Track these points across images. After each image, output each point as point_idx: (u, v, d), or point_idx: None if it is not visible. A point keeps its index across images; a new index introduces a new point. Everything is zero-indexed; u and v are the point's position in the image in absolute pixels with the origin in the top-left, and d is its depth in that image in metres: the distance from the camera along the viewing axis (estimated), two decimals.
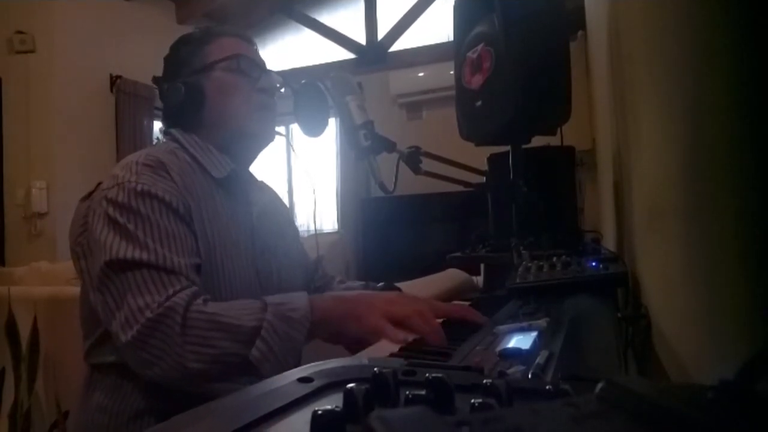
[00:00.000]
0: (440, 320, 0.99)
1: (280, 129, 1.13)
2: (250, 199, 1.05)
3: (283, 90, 1.13)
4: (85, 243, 0.92)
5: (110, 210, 0.87)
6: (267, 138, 1.09)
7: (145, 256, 0.82)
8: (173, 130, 1.04)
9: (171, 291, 0.80)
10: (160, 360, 0.77)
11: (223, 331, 0.78)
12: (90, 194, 0.96)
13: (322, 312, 0.83)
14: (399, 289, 1.19)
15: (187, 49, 1.07)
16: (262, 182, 1.16)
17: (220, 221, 0.95)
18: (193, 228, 0.90)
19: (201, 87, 1.02)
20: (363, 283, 1.22)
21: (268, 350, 0.77)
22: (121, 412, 0.88)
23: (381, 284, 1.19)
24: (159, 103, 1.09)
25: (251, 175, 1.13)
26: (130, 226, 0.85)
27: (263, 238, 1.03)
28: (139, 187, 0.87)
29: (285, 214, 1.20)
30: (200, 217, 0.92)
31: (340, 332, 0.85)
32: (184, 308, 0.78)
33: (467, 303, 1.17)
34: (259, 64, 1.09)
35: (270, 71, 1.10)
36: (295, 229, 1.24)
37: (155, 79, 1.09)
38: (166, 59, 1.09)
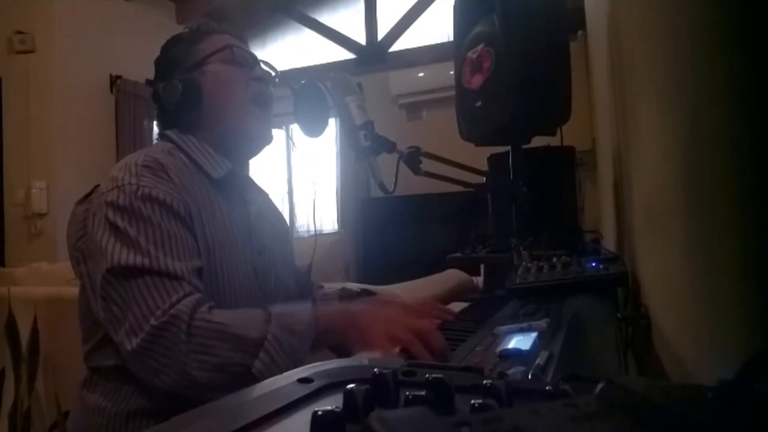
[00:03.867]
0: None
1: (280, 129, 1.13)
2: (247, 198, 1.05)
3: (277, 80, 1.13)
4: (84, 247, 0.91)
5: (110, 214, 0.86)
6: (264, 139, 1.09)
7: (147, 262, 0.82)
8: (169, 132, 1.03)
9: (175, 298, 0.80)
10: (165, 368, 0.77)
11: (228, 340, 0.78)
12: (87, 197, 0.96)
13: (327, 322, 0.83)
14: (374, 294, 1.18)
15: (178, 49, 1.06)
16: (257, 185, 1.16)
17: (218, 222, 0.95)
18: (193, 230, 0.90)
19: (197, 82, 1.02)
20: (339, 289, 1.21)
21: (271, 362, 0.77)
22: (120, 413, 0.88)
23: (357, 290, 1.18)
24: None
25: (248, 176, 1.13)
26: (131, 231, 0.84)
27: (260, 237, 1.03)
28: (140, 191, 0.87)
29: (278, 217, 1.20)
30: (199, 218, 0.92)
31: (342, 343, 0.85)
32: (189, 315, 0.78)
33: (467, 303, 1.17)
34: (252, 55, 1.09)
35: (263, 61, 1.10)
36: (287, 231, 1.24)
37: (149, 83, 1.09)
38: (158, 61, 1.08)
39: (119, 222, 0.85)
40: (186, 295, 0.81)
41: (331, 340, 0.85)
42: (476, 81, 1.48)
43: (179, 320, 0.77)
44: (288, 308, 0.84)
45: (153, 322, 0.78)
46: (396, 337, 0.77)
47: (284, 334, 0.79)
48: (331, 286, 1.25)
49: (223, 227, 0.96)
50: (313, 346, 0.82)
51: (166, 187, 0.89)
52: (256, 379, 0.76)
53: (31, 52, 3.91)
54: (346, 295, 1.18)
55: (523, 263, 1.13)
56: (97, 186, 0.94)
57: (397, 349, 0.76)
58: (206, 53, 1.04)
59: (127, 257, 0.82)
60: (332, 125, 4.72)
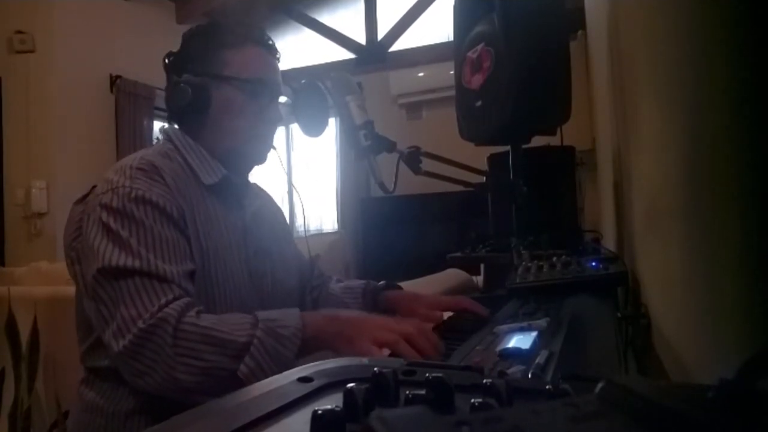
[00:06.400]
0: (448, 314, 0.99)
1: (280, 128, 1.13)
2: (242, 202, 1.05)
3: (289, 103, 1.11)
4: (79, 248, 0.91)
5: (104, 216, 0.86)
6: (259, 160, 1.08)
7: (137, 264, 0.82)
8: (172, 131, 1.03)
9: (163, 300, 0.80)
10: (151, 370, 0.77)
11: (213, 344, 0.78)
12: (84, 197, 0.96)
13: (314, 330, 0.83)
14: (400, 288, 1.19)
15: (203, 45, 1.02)
16: (255, 185, 1.15)
17: (212, 225, 0.95)
18: (186, 233, 0.90)
19: (209, 94, 0.99)
20: (364, 282, 1.21)
21: (256, 366, 0.77)
22: (118, 413, 0.88)
23: (382, 283, 1.19)
24: (159, 103, 1.07)
25: (245, 180, 1.12)
26: (124, 233, 0.84)
27: (256, 239, 1.03)
28: (133, 193, 0.87)
29: (279, 217, 1.19)
30: (193, 221, 0.92)
31: (329, 350, 0.85)
32: (176, 319, 0.78)
33: None
34: (273, 90, 1.05)
35: (280, 102, 1.07)
36: (289, 231, 1.24)
37: (166, 66, 1.05)
38: (181, 48, 1.04)
39: (112, 224, 0.85)
40: (175, 299, 0.81)
41: (318, 348, 0.85)
42: (476, 81, 1.48)
43: (166, 323, 0.77)
44: (276, 314, 0.84)
45: (140, 324, 0.78)
46: (382, 341, 0.77)
47: (270, 339, 0.79)
48: (351, 282, 1.24)
49: (217, 230, 0.95)
50: (300, 352, 0.82)
51: (159, 190, 0.89)
52: (242, 383, 0.76)
53: (31, 52, 3.91)
54: (371, 288, 1.18)
55: (523, 263, 1.13)
56: (95, 186, 0.94)
57: (386, 352, 0.76)
58: (230, 72, 1.00)
59: (118, 258, 0.82)
60: (332, 125, 4.72)
